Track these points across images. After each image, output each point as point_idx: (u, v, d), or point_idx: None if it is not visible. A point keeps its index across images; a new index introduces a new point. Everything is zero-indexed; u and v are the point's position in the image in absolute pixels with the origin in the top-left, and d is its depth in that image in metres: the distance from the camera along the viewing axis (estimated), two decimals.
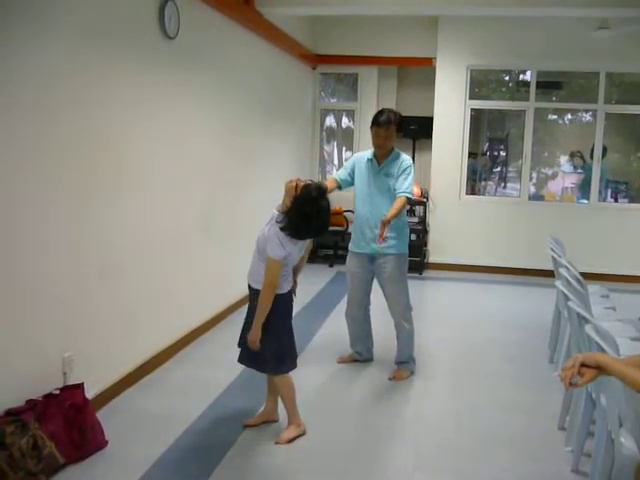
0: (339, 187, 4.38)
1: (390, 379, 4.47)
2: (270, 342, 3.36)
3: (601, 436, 2.84)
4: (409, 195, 4.24)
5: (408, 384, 4.45)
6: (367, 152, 4.46)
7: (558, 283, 3.90)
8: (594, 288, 5.06)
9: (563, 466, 3.28)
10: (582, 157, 8.91)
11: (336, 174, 4.47)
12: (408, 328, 4.52)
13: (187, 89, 4.82)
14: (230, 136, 5.74)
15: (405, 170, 4.28)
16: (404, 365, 4.57)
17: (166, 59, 4.45)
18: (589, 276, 4.53)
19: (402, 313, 4.48)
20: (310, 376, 4.31)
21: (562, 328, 4.53)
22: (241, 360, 3.62)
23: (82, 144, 3.53)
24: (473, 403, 4.14)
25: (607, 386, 2.69)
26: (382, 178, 4.32)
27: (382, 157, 4.35)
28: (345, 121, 9.87)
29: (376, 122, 4.27)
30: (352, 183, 4.43)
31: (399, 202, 4.19)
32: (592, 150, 8.56)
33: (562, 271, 4.09)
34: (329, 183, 4.27)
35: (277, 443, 3.45)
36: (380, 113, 4.29)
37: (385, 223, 4.01)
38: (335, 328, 5.33)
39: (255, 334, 3.32)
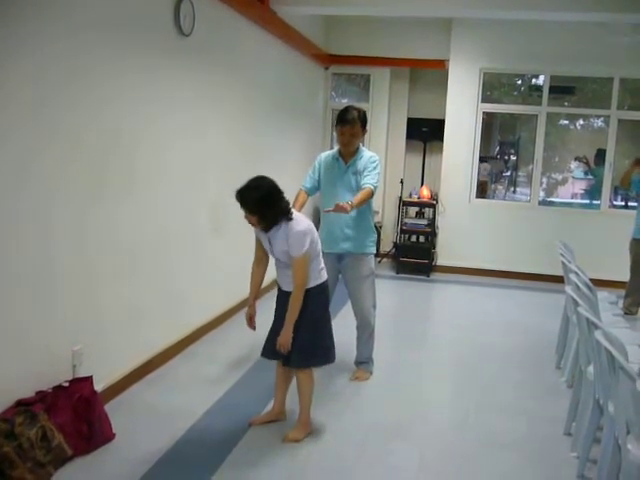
0: (309, 195, 4.36)
1: (351, 380, 4.42)
2: (303, 334, 3.37)
3: (608, 442, 2.84)
4: (373, 187, 4.13)
5: (412, 386, 4.45)
6: (332, 151, 4.42)
7: (568, 288, 3.90)
8: (603, 295, 5.05)
9: (568, 472, 3.27)
10: (587, 162, 8.92)
11: (303, 185, 4.38)
12: (370, 329, 4.44)
13: (200, 86, 4.84)
14: (242, 134, 5.75)
15: (372, 164, 4.23)
16: (364, 365, 4.51)
17: (180, 56, 4.47)
18: (598, 282, 4.52)
19: (366, 314, 4.40)
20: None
21: (570, 334, 4.53)
22: (270, 356, 3.54)
23: (93, 141, 3.54)
24: (478, 406, 4.14)
25: (615, 393, 2.69)
26: (349, 177, 4.27)
27: (348, 156, 4.28)
28: None
29: (341, 120, 4.19)
30: (320, 187, 4.38)
31: (364, 191, 4.09)
32: (596, 155, 8.57)
33: (572, 276, 4.08)
34: (301, 197, 4.28)
35: (285, 441, 3.45)
36: (345, 111, 4.21)
37: (350, 206, 3.89)
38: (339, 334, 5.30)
39: (287, 335, 3.33)
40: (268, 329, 3.58)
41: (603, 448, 2.91)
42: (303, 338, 3.38)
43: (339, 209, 3.85)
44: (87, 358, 3.55)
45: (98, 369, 3.59)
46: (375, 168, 4.23)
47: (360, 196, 4.06)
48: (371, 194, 4.13)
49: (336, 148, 4.39)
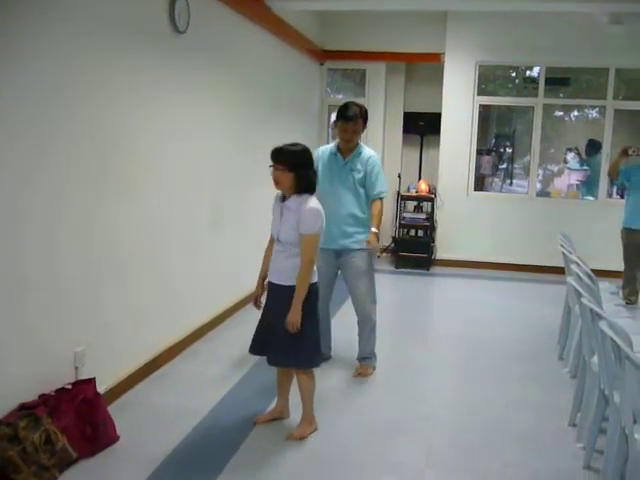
0: None
1: (355, 376, 4.40)
2: (285, 333, 3.32)
3: (614, 433, 2.84)
4: (384, 195, 4.28)
5: (416, 380, 4.44)
6: (330, 145, 4.41)
7: (570, 279, 3.89)
8: (603, 285, 5.03)
9: (575, 463, 3.27)
10: (578, 153, 8.93)
11: None
12: (372, 324, 4.43)
13: (196, 84, 4.81)
14: (238, 131, 5.73)
15: (374, 168, 4.25)
16: (367, 361, 4.48)
17: (176, 54, 4.44)
18: (598, 273, 4.49)
19: (367, 309, 4.39)
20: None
21: (572, 324, 4.52)
22: (257, 352, 3.55)
23: (90, 142, 3.51)
24: (483, 399, 4.14)
25: (621, 383, 2.68)
26: (347, 173, 4.27)
27: (347, 151, 4.28)
28: None
29: (343, 116, 4.17)
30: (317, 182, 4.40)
31: (377, 207, 4.23)
32: (587, 145, 8.58)
33: (573, 267, 4.08)
34: None
35: (289, 439, 3.44)
36: (346, 107, 4.19)
37: (376, 236, 4.14)
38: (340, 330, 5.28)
39: (296, 314, 3.28)
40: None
41: (609, 438, 2.91)
42: (284, 337, 3.32)
43: (372, 246, 4.17)
44: (89, 359, 3.54)
45: (101, 370, 3.58)
46: (378, 173, 4.27)
47: (377, 216, 4.22)
48: (382, 204, 4.28)
49: (334, 143, 4.38)
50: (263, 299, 3.57)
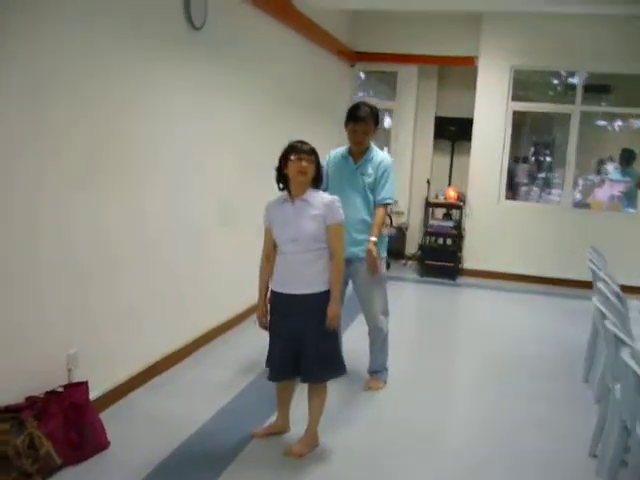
0: None
1: (365, 390, 4.19)
2: (324, 344, 3.20)
3: (637, 467, 2.58)
4: (390, 201, 4.08)
5: (430, 397, 4.21)
6: (341, 148, 4.21)
7: (595, 299, 3.62)
8: (635, 304, 4.72)
9: None
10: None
11: None
12: (383, 335, 4.23)
13: (213, 81, 4.67)
14: (258, 130, 5.56)
15: (384, 173, 4.04)
16: (377, 374, 4.28)
17: (192, 50, 4.31)
18: (632, 290, 4.20)
19: (377, 320, 4.18)
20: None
21: (599, 346, 4.24)
22: (282, 377, 3.35)
23: (85, 136, 3.38)
24: (502, 421, 3.90)
25: None
26: (358, 177, 4.06)
27: (359, 154, 4.09)
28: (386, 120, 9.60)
29: (353, 117, 3.98)
30: (327, 187, 4.13)
31: (380, 214, 4.02)
32: (621, 155, 8.24)
33: (600, 285, 3.81)
34: None
35: (288, 455, 3.25)
36: (356, 107, 4.00)
37: (373, 250, 3.91)
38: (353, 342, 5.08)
39: (336, 308, 3.18)
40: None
41: (632, 473, 2.65)
42: (326, 348, 3.19)
43: (371, 265, 3.95)
44: (83, 362, 3.41)
45: (96, 374, 3.45)
46: (388, 178, 4.06)
47: (378, 222, 4.00)
48: (386, 212, 4.09)
49: (346, 146, 4.19)
50: None
